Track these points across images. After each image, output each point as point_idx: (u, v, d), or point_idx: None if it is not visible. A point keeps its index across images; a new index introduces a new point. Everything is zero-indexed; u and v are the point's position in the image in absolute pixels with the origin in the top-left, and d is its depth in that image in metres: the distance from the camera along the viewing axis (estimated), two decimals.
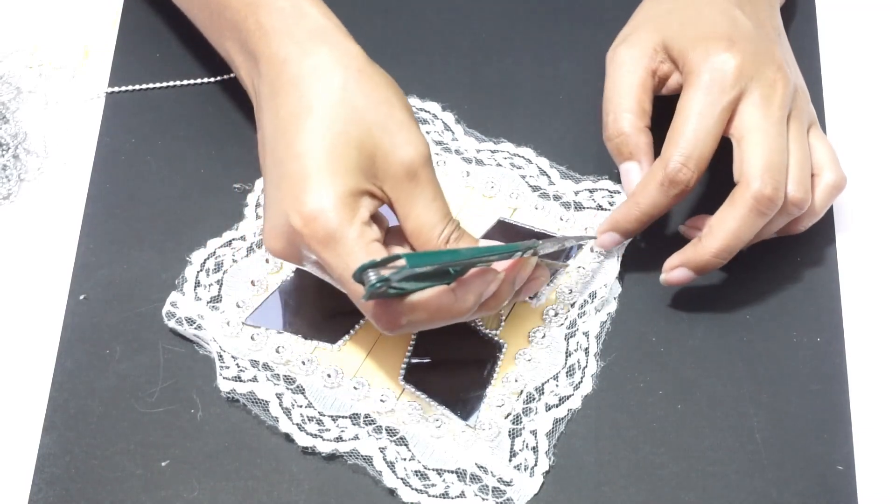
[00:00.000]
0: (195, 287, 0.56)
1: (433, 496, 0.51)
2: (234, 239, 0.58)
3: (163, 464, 0.52)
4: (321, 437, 0.52)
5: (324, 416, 0.53)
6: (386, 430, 0.52)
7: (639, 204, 0.54)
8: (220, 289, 0.56)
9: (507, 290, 0.50)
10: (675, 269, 0.55)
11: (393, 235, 0.51)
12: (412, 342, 0.55)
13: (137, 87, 0.64)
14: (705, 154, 0.53)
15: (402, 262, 0.44)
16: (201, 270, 0.56)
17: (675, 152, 0.53)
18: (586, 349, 0.55)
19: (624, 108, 0.55)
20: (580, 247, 0.58)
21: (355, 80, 0.49)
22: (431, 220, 0.49)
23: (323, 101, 0.48)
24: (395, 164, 0.48)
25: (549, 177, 0.61)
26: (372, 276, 0.43)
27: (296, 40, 0.49)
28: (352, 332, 0.55)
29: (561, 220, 0.59)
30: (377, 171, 0.48)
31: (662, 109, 0.57)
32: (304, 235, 0.47)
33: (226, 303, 0.56)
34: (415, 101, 0.63)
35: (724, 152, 0.55)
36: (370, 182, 0.48)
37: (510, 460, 0.52)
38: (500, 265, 0.49)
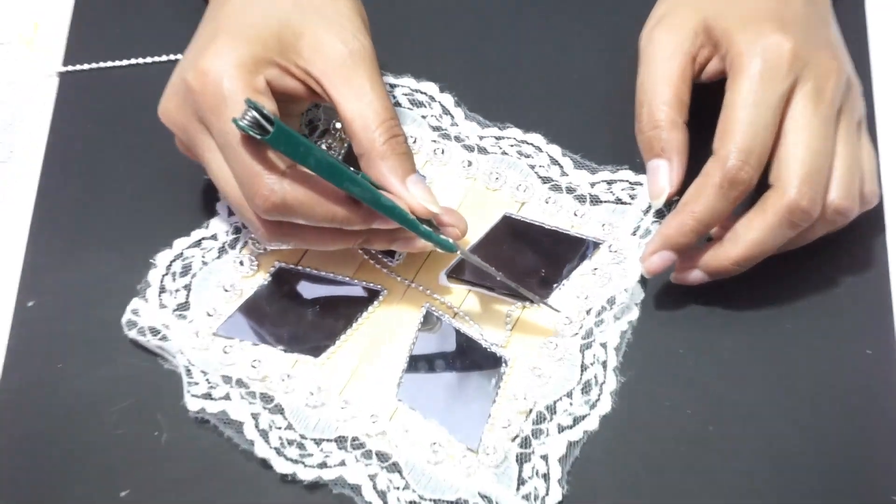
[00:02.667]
0: (160, 293, 0.55)
1: None
2: (204, 238, 0.57)
3: (122, 494, 0.51)
4: (303, 462, 0.51)
5: (306, 439, 0.52)
6: (376, 454, 0.52)
7: (694, 213, 0.52)
8: (187, 295, 0.55)
9: (400, 245, 0.53)
10: (691, 271, 0.54)
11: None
12: (407, 355, 0.54)
13: (95, 65, 0.63)
14: (766, 150, 0.52)
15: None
16: (167, 274, 0.56)
17: (733, 148, 0.51)
18: (604, 362, 0.54)
19: (661, 100, 0.55)
20: (597, 246, 0.57)
21: None
22: (364, 116, 0.51)
23: None
24: (327, 48, 0.51)
25: (561, 167, 0.59)
26: (249, 105, 0.47)
27: None
28: (337, 343, 0.54)
29: (575, 215, 0.58)
30: (302, 50, 0.51)
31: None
32: (195, 92, 0.49)
33: (194, 311, 0.55)
34: (409, 81, 0.62)
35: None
36: (284, 57, 0.51)
37: (518, 489, 0.51)
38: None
